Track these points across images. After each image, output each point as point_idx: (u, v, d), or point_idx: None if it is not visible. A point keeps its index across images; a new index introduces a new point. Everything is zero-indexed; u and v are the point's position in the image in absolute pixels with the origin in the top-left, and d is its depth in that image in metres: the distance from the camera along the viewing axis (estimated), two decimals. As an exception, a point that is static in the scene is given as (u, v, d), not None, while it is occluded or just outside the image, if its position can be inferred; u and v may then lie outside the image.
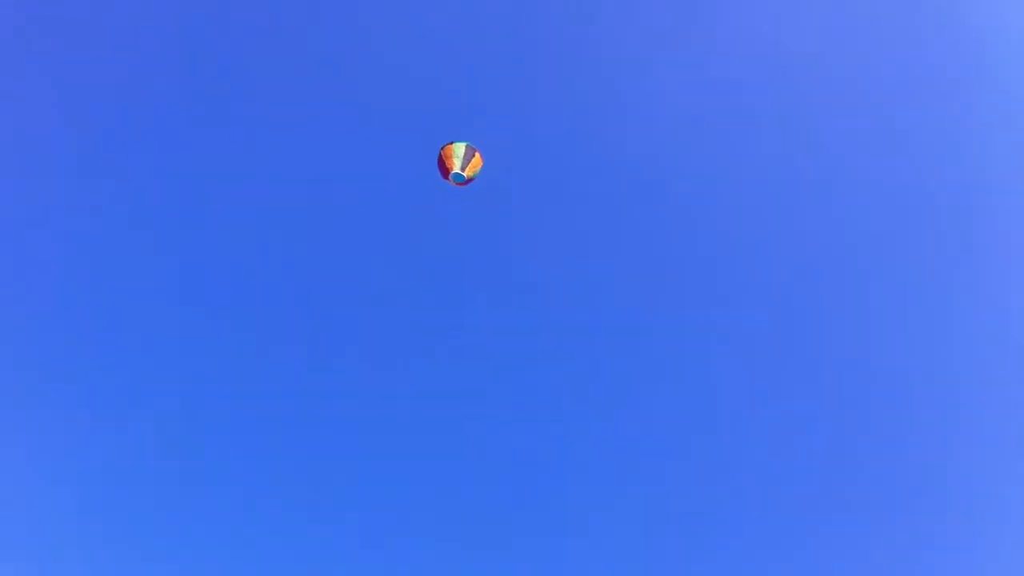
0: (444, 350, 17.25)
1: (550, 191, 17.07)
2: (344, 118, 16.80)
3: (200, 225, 16.80)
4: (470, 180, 12.25)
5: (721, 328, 17.13)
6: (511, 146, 16.30)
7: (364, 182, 17.04)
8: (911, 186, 16.80)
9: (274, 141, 16.67)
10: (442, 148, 12.11)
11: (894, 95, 16.79)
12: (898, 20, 16.48)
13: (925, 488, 16.31)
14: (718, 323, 17.17)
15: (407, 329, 17.12)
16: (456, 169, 12.00)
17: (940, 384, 16.64)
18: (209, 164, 16.61)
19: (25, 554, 15.07)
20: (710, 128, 16.95)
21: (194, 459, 16.28)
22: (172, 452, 16.24)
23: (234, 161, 16.66)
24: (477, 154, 12.10)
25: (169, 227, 16.72)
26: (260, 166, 16.70)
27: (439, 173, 12.33)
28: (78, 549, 15.51)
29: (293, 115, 16.67)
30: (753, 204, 16.92)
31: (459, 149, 12.01)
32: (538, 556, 16.20)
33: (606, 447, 16.83)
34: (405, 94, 16.63)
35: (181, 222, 16.77)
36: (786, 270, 17.01)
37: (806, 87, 16.85)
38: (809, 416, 16.74)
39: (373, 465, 16.84)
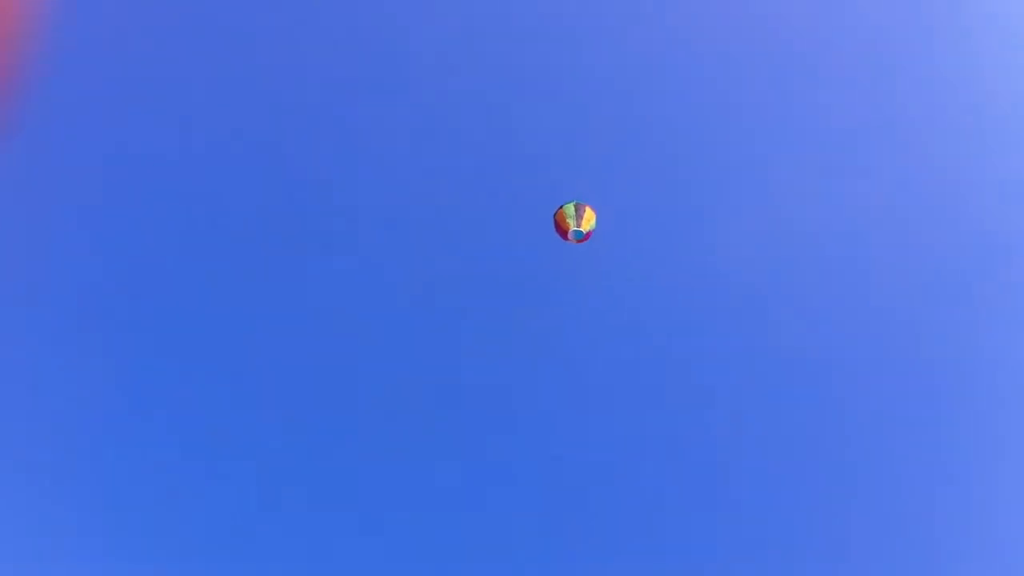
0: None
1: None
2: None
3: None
4: (588, 236, 12.83)
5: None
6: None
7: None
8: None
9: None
10: (555, 212, 12.77)
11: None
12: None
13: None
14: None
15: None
16: (574, 227, 12.56)
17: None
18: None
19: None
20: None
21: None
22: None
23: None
24: (588, 208, 12.66)
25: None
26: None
27: (557, 235, 12.94)
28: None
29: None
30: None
31: (570, 209, 12.63)
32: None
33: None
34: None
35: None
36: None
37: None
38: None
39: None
